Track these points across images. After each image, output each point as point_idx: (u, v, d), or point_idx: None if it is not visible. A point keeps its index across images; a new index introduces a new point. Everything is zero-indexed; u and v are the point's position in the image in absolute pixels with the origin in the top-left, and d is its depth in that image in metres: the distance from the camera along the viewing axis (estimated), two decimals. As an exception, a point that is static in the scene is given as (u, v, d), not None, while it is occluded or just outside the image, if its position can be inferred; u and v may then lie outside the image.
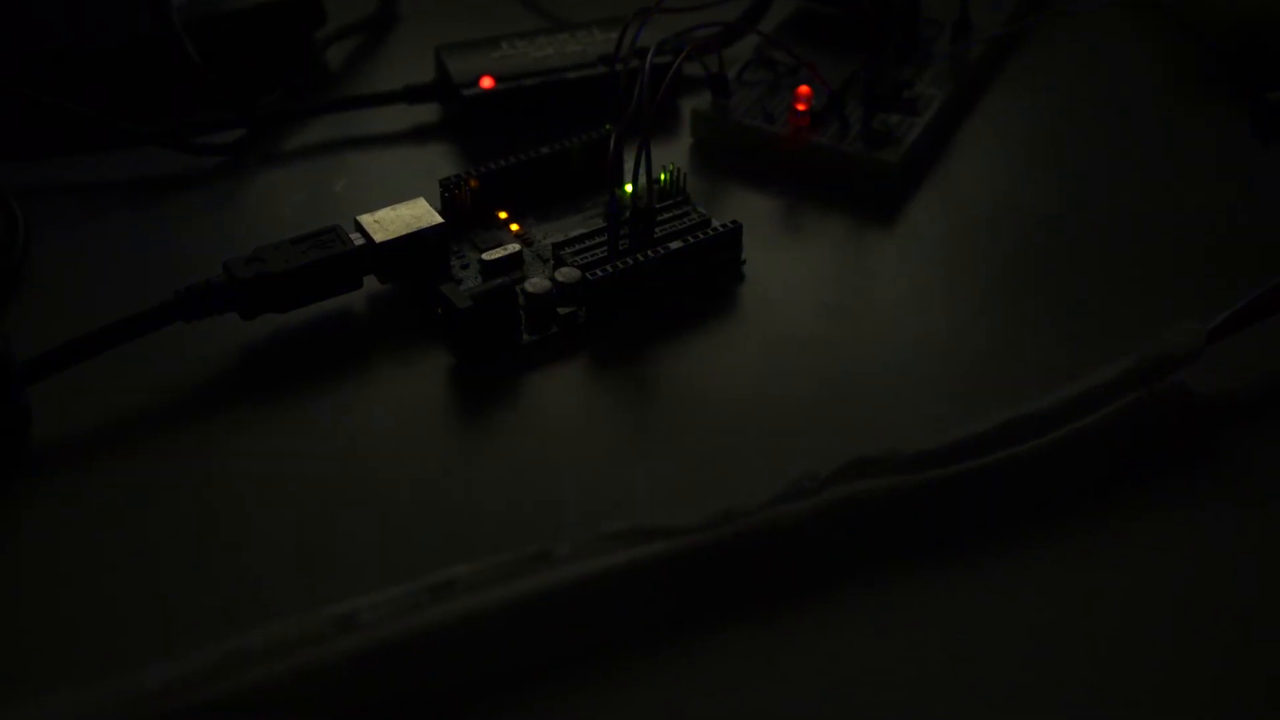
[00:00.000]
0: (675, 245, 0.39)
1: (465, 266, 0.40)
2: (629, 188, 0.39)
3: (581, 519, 0.33)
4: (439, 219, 0.39)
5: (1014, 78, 0.48)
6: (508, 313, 0.37)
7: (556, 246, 0.40)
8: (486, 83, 0.45)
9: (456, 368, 0.37)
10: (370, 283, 0.39)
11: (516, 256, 0.39)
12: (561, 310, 0.38)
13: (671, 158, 0.43)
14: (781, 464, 0.33)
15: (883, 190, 0.43)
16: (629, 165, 0.39)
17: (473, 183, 0.41)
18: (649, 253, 0.38)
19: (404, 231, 0.38)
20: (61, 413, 0.36)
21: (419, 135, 0.46)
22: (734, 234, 0.40)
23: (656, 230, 0.40)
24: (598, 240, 0.40)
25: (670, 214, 0.41)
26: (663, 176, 0.41)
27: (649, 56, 0.38)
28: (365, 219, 0.39)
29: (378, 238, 0.38)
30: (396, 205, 0.39)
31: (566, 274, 0.38)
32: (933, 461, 0.34)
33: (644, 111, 0.38)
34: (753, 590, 0.32)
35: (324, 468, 0.35)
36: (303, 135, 0.46)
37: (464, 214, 0.41)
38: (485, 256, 0.39)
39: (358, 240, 0.38)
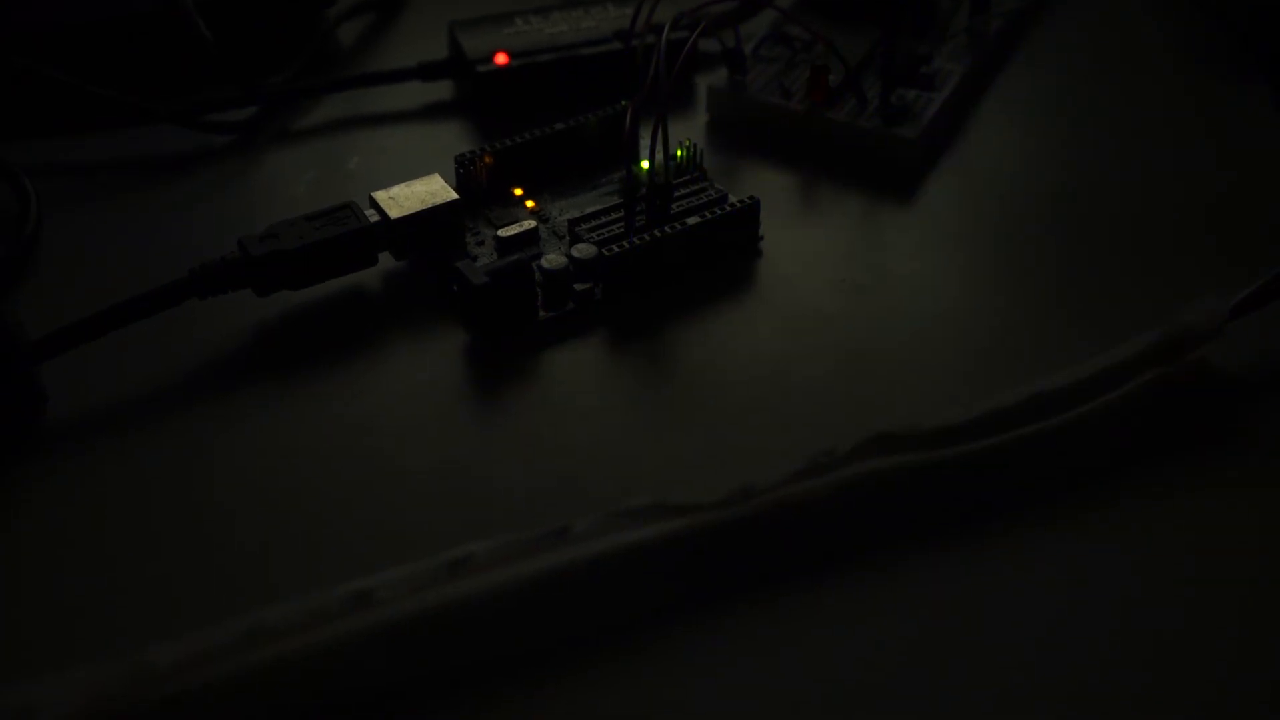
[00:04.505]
0: (692, 221, 0.39)
1: (481, 243, 0.40)
2: (645, 164, 0.39)
3: (599, 496, 0.33)
4: (454, 195, 0.39)
5: (1032, 53, 0.48)
6: (524, 289, 0.37)
7: (572, 223, 0.39)
8: (501, 59, 0.45)
9: (472, 344, 0.37)
10: (385, 259, 0.39)
11: (532, 233, 0.39)
12: (578, 287, 0.38)
13: (688, 134, 0.42)
14: (799, 440, 0.33)
15: (900, 166, 0.43)
16: (645, 141, 0.39)
17: (488, 159, 0.41)
18: (666, 229, 0.38)
19: (419, 208, 0.38)
20: (75, 391, 0.35)
21: (433, 112, 0.46)
22: (751, 210, 0.40)
23: (673, 206, 0.39)
24: (614, 216, 0.39)
25: (687, 190, 0.40)
26: (679, 153, 0.41)
27: (664, 32, 0.38)
28: (380, 195, 0.39)
29: (393, 214, 0.38)
30: (411, 182, 0.39)
31: (583, 250, 0.38)
32: (951, 437, 0.34)
33: (660, 87, 0.37)
34: (771, 567, 0.32)
35: (339, 445, 0.35)
36: (315, 113, 0.46)
37: (479, 190, 0.41)
38: (501, 233, 0.39)
39: (373, 217, 0.38)
